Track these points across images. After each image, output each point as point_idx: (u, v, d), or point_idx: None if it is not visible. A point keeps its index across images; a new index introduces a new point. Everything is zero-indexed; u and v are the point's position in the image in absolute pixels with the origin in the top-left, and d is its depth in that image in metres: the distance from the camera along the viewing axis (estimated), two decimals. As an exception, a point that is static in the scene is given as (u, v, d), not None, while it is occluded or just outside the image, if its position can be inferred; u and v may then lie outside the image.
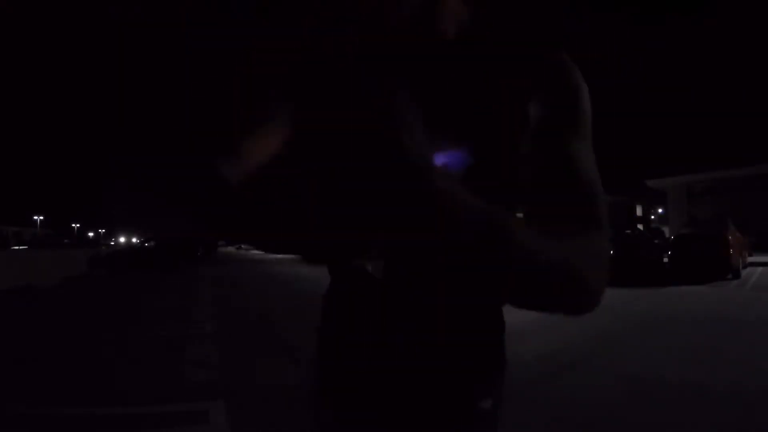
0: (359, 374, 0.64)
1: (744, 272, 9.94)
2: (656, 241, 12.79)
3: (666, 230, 20.52)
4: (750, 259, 11.89)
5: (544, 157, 0.57)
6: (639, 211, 44.04)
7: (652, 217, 45.09)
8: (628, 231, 11.97)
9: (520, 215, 0.60)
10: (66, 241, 28.33)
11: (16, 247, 24.75)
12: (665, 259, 10.91)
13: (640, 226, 22.57)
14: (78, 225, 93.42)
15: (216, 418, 2.31)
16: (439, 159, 0.55)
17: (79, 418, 2.31)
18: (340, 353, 0.66)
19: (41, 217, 69.03)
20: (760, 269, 11.08)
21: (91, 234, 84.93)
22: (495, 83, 0.59)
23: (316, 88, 0.42)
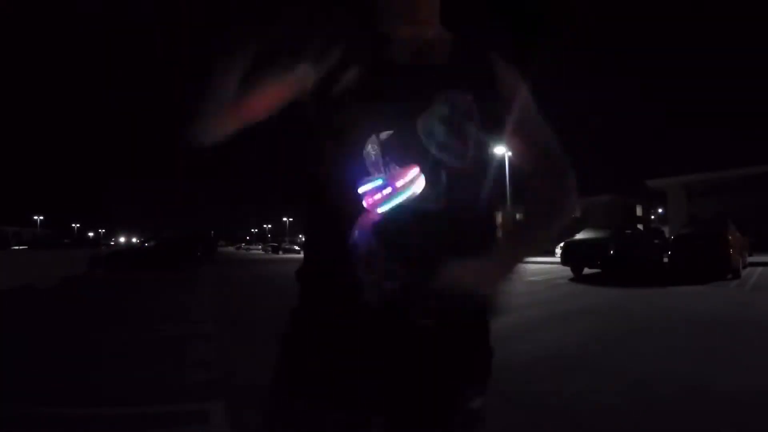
0: (349, 374, 0.64)
1: (744, 272, 9.94)
2: (656, 241, 12.79)
3: (666, 230, 20.50)
4: (750, 259, 11.89)
5: (520, 148, 0.70)
6: (639, 211, 44.02)
7: (652, 217, 45.10)
8: (628, 231, 11.96)
9: (519, 215, 0.71)
10: (66, 241, 28.25)
11: (16, 247, 24.71)
12: (665, 259, 10.91)
13: (640, 226, 22.52)
14: (78, 225, 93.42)
15: (216, 418, 2.31)
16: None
17: (79, 418, 2.31)
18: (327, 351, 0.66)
19: (41, 217, 68.97)
20: (760, 269, 11.08)
21: (91, 234, 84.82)
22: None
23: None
